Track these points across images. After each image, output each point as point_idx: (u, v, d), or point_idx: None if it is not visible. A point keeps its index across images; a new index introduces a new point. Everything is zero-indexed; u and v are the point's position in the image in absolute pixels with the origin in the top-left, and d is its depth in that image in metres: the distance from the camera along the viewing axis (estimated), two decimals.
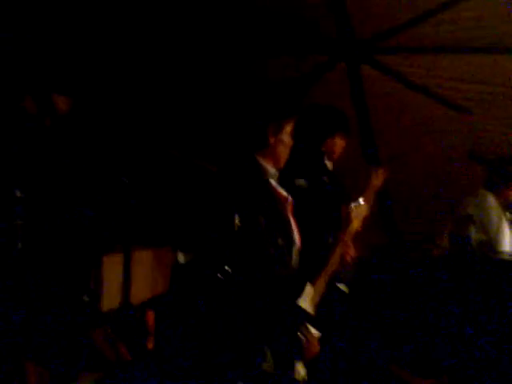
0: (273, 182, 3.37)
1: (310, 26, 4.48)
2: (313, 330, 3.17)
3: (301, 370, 3.20)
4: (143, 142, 4.24)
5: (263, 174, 3.32)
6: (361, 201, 3.73)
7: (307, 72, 4.82)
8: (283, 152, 3.36)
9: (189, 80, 4.73)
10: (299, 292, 3.29)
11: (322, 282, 3.48)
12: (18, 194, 2.54)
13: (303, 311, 3.16)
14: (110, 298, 3.77)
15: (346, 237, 3.69)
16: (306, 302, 3.30)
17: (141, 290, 4.12)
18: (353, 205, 3.72)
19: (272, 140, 3.31)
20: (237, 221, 3.06)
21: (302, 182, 4.06)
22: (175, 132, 4.71)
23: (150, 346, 3.94)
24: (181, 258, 3.76)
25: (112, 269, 3.85)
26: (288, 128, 3.37)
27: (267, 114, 3.36)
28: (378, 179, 4.22)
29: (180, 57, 4.65)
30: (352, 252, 3.83)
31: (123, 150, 4.30)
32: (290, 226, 3.36)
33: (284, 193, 3.42)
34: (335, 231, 3.79)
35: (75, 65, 2.63)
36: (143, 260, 4.24)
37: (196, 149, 4.36)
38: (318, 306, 3.44)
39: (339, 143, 4.34)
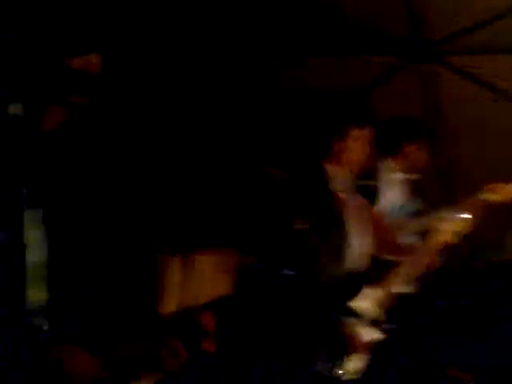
0: (338, 187, 3.34)
1: (379, 27, 4.42)
2: (366, 331, 3.14)
3: (351, 368, 3.16)
4: (212, 148, 4.25)
5: (327, 181, 3.31)
6: (454, 214, 3.60)
7: (376, 74, 4.75)
8: (352, 158, 3.33)
9: (258, 84, 4.75)
10: (354, 292, 3.25)
11: (390, 286, 3.41)
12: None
13: (353, 311, 3.14)
14: (171, 301, 3.81)
15: (430, 247, 3.59)
16: (364, 302, 3.26)
17: (202, 293, 4.14)
18: (438, 216, 3.62)
19: (337, 146, 3.29)
20: (298, 225, 3.08)
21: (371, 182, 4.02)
22: (243, 137, 4.73)
23: (211, 348, 3.94)
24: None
25: (173, 271, 3.89)
26: (356, 134, 3.33)
27: (331, 120, 3.35)
28: (494, 194, 3.94)
29: (246, 62, 4.66)
30: (435, 263, 3.70)
31: (191, 156, 4.34)
32: (351, 230, 3.32)
33: (355, 199, 3.39)
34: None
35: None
36: (206, 262, 4.25)
37: (264, 154, 4.39)
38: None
39: (416, 152, 4.31)
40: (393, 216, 4.22)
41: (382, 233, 3.67)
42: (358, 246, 3.36)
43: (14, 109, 2.15)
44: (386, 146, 4.28)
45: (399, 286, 3.43)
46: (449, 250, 3.61)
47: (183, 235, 3.79)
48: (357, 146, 3.36)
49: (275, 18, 4.28)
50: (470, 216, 3.56)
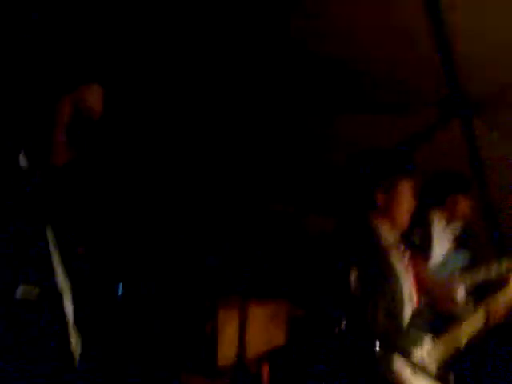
0: (386, 241, 3.36)
1: (419, 84, 4.49)
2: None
3: None
4: (262, 202, 4.32)
5: (374, 234, 3.33)
6: None
7: (419, 130, 4.82)
8: (398, 212, 3.36)
9: (305, 137, 4.83)
10: (412, 345, 3.26)
11: (453, 339, 3.42)
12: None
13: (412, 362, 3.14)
14: (226, 352, 3.84)
15: (498, 301, 3.61)
16: (425, 354, 3.27)
17: (256, 344, 4.15)
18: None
19: (381, 200, 3.32)
20: (352, 278, 3.08)
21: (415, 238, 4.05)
22: (289, 189, 4.79)
23: None
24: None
25: (228, 322, 3.93)
26: (401, 187, 3.36)
27: (375, 173, 3.37)
28: None
29: (294, 116, 4.75)
30: (499, 316, 3.71)
31: (242, 209, 4.40)
32: (399, 283, 3.33)
33: (400, 252, 3.42)
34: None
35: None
36: (259, 314, 4.26)
37: (311, 205, 4.43)
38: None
39: (461, 204, 4.38)
40: (442, 269, 4.27)
41: (438, 286, 3.69)
42: (410, 300, 3.38)
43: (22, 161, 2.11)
44: (431, 199, 4.36)
45: (461, 339, 3.44)
46: None
47: (237, 287, 3.83)
48: (403, 198, 3.37)
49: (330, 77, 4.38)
50: None
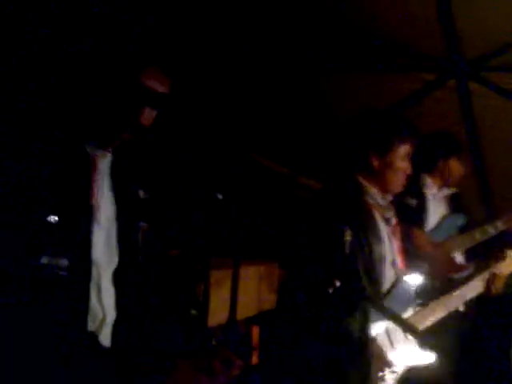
0: (372, 201, 3.30)
1: (417, 44, 4.44)
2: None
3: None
4: (255, 161, 4.24)
5: (362, 194, 3.28)
6: None
7: (414, 91, 4.77)
8: (391, 175, 3.29)
9: (297, 98, 4.77)
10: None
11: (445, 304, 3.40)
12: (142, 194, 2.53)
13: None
14: (217, 313, 3.82)
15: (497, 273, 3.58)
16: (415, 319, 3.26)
17: (247, 306, 4.14)
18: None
19: (375, 163, 3.26)
20: (347, 236, 3.03)
21: (411, 200, 3.99)
22: (280, 149, 4.74)
23: (255, 361, 3.95)
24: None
25: (220, 283, 3.91)
26: (398, 151, 3.29)
27: (370, 136, 3.30)
28: None
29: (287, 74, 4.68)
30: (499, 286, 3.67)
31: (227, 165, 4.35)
32: (384, 245, 3.29)
33: (387, 215, 3.37)
34: None
35: None
36: (251, 275, 4.26)
37: (301, 166, 4.39)
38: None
39: (454, 167, 4.35)
40: (438, 234, 4.24)
41: (435, 251, 3.67)
42: (392, 264, 3.34)
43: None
44: (422, 163, 4.31)
45: (451, 306, 3.43)
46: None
47: (230, 248, 3.79)
48: (398, 163, 3.29)
49: (316, 35, 4.30)
50: None
